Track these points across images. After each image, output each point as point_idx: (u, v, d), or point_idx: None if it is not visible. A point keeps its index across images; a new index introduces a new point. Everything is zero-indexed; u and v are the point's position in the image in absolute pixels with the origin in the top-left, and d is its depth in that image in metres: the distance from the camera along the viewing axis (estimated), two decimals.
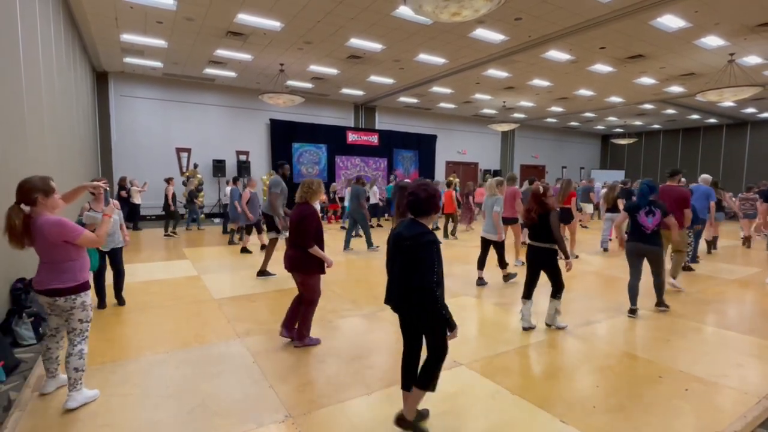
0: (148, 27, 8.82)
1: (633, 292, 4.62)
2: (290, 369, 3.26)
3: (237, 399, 2.79)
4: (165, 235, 10.17)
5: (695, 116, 19.12)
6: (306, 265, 3.57)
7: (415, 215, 2.31)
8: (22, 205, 2.51)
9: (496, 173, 20.86)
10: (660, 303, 4.77)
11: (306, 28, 8.74)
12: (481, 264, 5.93)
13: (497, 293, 5.54)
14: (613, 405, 2.78)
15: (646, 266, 4.66)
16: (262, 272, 6.28)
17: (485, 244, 5.88)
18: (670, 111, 17.81)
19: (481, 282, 5.88)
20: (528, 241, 4.20)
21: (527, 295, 4.16)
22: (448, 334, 2.25)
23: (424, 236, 2.22)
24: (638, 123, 21.36)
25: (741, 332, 4.18)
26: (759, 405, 2.78)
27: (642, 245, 4.55)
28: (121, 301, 4.79)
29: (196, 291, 5.48)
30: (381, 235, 8.99)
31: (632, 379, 3.19)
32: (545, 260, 4.04)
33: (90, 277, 2.79)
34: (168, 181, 10.83)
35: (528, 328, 4.11)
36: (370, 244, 8.44)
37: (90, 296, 2.75)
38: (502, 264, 6.01)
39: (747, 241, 9.65)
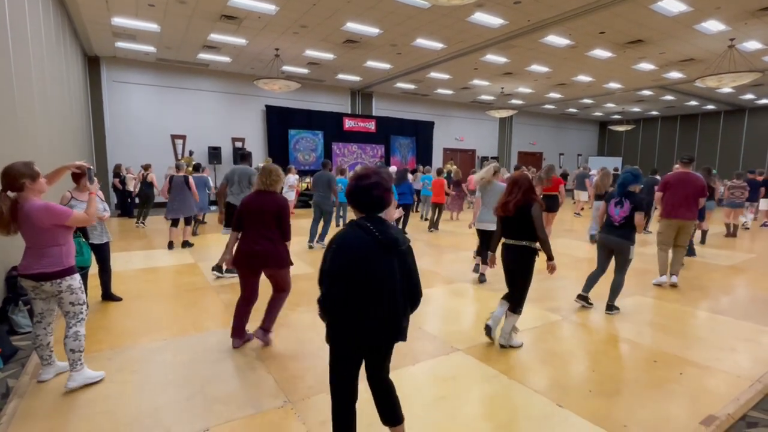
0: (140, 10, 8.62)
1: (590, 281, 4.43)
2: (288, 355, 3.27)
3: (236, 385, 2.81)
4: (136, 225, 9.69)
5: (693, 102, 19.06)
6: (284, 258, 3.27)
7: (372, 211, 1.84)
8: (8, 192, 2.50)
9: (494, 160, 20.81)
10: (610, 306, 4.29)
11: (301, 12, 8.58)
12: (479, 252, 5.71)
13: (493, 280, 5.57)
14: (609, 389, 2.81)
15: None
16: (220, 268, 5.46)
17: (484, 235, 5.40)
18: (669, 97, 17.74)
19: (477, 269, 5.73)
20: (503, 239, 3.50)
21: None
22: None
23: (406, 237, 1.87)
24: (636, 109, 21.29)
25: (734, 317, 4.23)
26: (752, 388, 2.82)
27: (609, 237, 4.25)
28: (113, 297, 4.47)
29: (194, 278, 5.47)
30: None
31: (627, 363, 3.23)
32: (521, 261, 3.34)
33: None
34: (145, 167, 10.13)
35: (489, 333, 3.48)
36: (322, 237, 7.59)
37: (78, 279, 2.73)
38: (485, 259, 5.49)
39: (728, 228, 9.32)
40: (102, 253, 4.33)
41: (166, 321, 4.00)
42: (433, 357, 3.25)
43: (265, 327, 3.40)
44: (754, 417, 2.53)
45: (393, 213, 4.36)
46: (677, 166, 5.61)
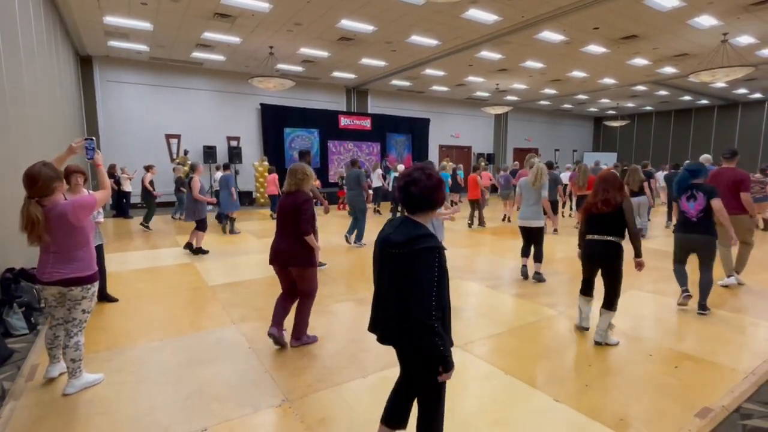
0: (132, 9, 8.55)
1: (680, 276, 4.28)
2: (286, 354, 3.27)
3: (233, 384, 2.80)
4: (140, 224, 9.46)
5: (687, 97, 19.15)
6: (306, 258, 3.29)
7: (412, 210, 1.74)
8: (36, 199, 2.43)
9: (489, 157, 20.84)
10: (702, 306, 4.09)
11: (295, 9, 8.54)
12: (525, 252, 5.44)
13: (490, 276, 5.59)
14: (605, 383, 2.83)
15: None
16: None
17: (526, 232, 5.34)
18: (663, 92, 17.81)
19: (525, 270, 5.44)
20: (589, 235, 3.50)
21: (588, 291, 3.63)
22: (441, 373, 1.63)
23: (423, 241, 1.61)
24: (630, 105, 21.37)
25: (729, 310, 4.26)
26: (746, 380, 2.85)
27: (688, 236, 4.10)
28: (109, 298, 4.40)
29: (190, 278, 5.45)
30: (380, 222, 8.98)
31: (623, 358, 3.25)
32: (612, 257, 3.35)
33: None
34: (147, 168, 10.01)
35: (586, 329, 3.66)
36: (360, 237, 7.50)
37: (97, 286, 2.75)
38: (539, 257, 5.35)
39: (765, 223, 9.07)
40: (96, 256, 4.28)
41: (164, 321, 3.98)
42: None
43: (295, 336, 3.42)
44: (749, 409, 2.55)
45: (441, 211, 4.31)
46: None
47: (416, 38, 10.44)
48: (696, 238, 4.08)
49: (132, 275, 5.56)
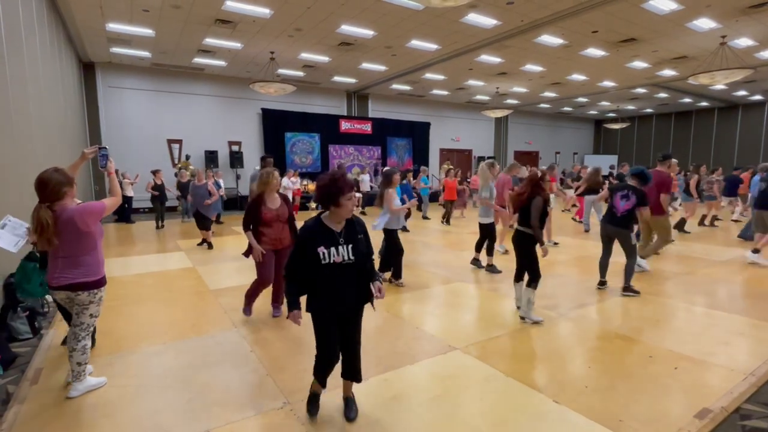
0: (134, 15, 8.64)
1: (601, 268, 5.03)
2: (287, 357, 3.29)
3: (235, 387, 2.82)
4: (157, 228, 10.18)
5: (687, 100, 19.19)
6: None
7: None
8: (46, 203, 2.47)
9: (490, 159, 20.84)
10: (626, 287, 4.76)
11: (296, 15, 8.61)
12: (478, 247, 6.12)
13: (489, 278, 5.61)
14: (605, 385, 2.84)
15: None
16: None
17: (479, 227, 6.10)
18: (663, 95, 17.85)
19: (475, 263, 6.18)
20: (516, 225, 4.14)
21: (519, 277, 4.21)
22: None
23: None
24: (631, 107, 21.41)
25: (728, 311, 4.27)
26: (745, 381, 2.86)
27: (609, 226, 4.83)
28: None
29: (192, 282, 5.48)
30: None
31: (623, 359, 3.26)
32: (525, 245, 4.00)
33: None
34: (155, 173, 10.53)
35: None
36: None
37: (105, 291, 2.77)
38: (490, 250, 6.00)
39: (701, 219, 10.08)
40: None
41: (166, 325, 4.01)
42: (431, 356, 3.28)
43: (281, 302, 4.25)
44: (748, 409, 2.56)
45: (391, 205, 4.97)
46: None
47: (416, 43, 10.51)
48: (614, 229, 4.79)
49: (134, 279, 5.59)
